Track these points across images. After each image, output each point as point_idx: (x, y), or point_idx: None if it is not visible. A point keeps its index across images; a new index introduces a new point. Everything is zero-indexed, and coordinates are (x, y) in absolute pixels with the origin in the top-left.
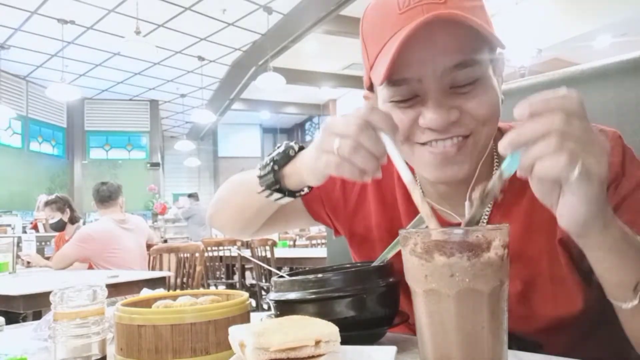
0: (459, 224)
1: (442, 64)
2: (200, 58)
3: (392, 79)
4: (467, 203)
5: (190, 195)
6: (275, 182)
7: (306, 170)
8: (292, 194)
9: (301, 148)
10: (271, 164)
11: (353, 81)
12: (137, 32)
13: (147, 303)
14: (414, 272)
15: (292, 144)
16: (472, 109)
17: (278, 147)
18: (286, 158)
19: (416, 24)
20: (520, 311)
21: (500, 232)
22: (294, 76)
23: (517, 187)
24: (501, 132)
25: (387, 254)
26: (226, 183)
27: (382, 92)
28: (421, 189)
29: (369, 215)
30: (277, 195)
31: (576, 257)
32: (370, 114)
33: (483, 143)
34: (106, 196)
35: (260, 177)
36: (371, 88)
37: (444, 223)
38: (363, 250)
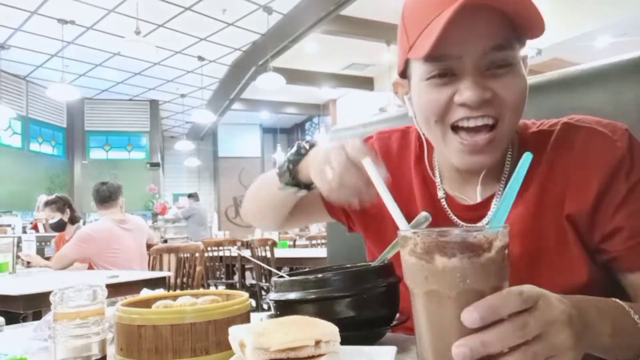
0: (471, 207)
1: (483, 44)
2: (200, 58)
3: (435, 54)
4: (478, 188)
5: (190, 195)
6: (290, 178)
7: (312, 176)
8: (307, 186)
9: (312, 145)
10: (286, 163)
11: (353, 81)
12: (137, 32)
13: (147, 303)
14: (414, 273)
15: (303, 143)
16: (504, 93)
17: (292, 148)
18: (299, 156)
19: (460, 4)
20: (528, 283)
21: (501, 233)
22: (294, 76)
23: (529, 170)
24: (523, 127)
25: (387, 254)
26: (254, 182)
27: (420, 70)
28: (439, 175)
29: (382, 206)
30: (294, 189)
31: (583, 233)
32: (352, 152)
33: (507, 136)
34: (106, 196)
35: (278, 174)
36: (402, 74)
37: (459, 206)
38: (379, 244)
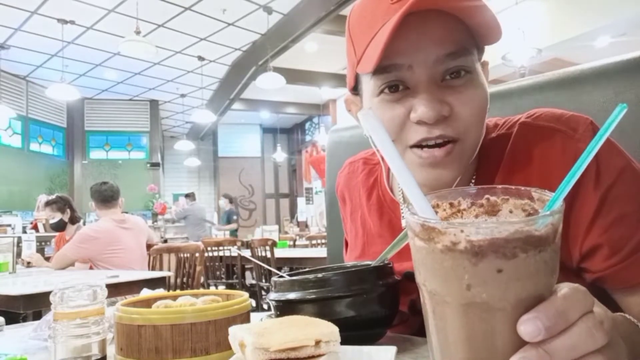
0: None
1: (435, 52)
2: (200, 58)
3: (381, 64)
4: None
5: (187, 195)
6: None
7: None
8: None
9: None
10: None
11: None
12: (137, 32)
13: (147, 303)
14: (447, 279)
15: None
16: (463, 109)
17: None
18: None
19: (408, 6)
20: None
21: (562, 214)
22: (294, 76)
23: (487, 182)
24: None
25: (387, 254)
26: None
27: (370, 85)
28: (404, 198)
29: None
30: None
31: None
32: None
33: (470, 152)
34: (109, 196)
35: None
36: (354, 90)
37: None
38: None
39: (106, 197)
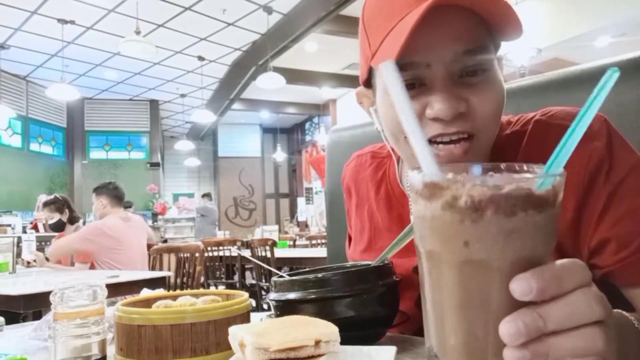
0: None
1: (453, 49)
2: (200, 58)
3: (398, 62)
4: None
5: (204, 195)
6: None
7: None
8: None
9: None
10: None
11: (353, 81)
12: (137, 32)
13: (147, 303)
14: (447, 236)
15: None
16: (480, 106)
17: None
18: None
19: (430, 4)
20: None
21: (563, 180)
22: (294, 76)
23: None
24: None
25: (388, 254)
26: None
27: None
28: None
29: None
30: None
31: (569, 252)
32: None
33: (486, 148)
34: (123, 194)
35: None
36: (366, 83)
37: None
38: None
39: (120, 195)
